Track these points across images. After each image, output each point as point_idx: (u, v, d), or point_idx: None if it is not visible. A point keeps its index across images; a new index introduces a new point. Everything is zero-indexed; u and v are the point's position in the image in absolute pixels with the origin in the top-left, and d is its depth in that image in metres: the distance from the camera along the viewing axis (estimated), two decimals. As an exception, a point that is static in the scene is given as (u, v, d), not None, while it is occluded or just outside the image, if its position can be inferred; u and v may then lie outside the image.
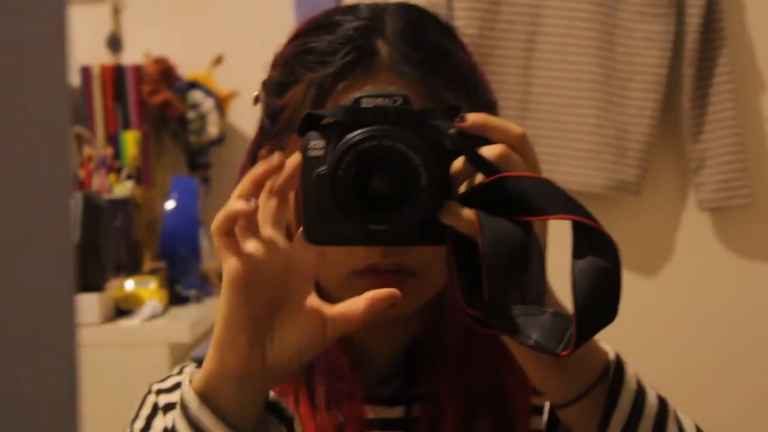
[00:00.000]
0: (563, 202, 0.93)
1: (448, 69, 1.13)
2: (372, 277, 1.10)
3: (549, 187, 0.93)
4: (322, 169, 0.97)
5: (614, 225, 3.07)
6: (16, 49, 0.49)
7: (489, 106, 1.17)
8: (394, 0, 1.20)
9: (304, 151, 0.99)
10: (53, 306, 0.50)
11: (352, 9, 1.18)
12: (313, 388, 1.16)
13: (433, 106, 1.08)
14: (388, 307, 1.10)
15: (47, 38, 0.50)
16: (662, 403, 1.06)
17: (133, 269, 2.73)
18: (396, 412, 1.18)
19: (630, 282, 3.07)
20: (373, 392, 1.17)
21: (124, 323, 2.43)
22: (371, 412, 1.17)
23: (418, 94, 1.10)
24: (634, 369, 1.05)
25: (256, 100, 1.21)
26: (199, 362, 1.25)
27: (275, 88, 1.17)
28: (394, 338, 1.20)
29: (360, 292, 1.08)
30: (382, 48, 1.13)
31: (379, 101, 0.97)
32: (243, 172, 1.22)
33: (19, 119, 0.49)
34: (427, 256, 1.09)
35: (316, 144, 0.99)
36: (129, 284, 2.55)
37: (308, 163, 0.99)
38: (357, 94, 0.98)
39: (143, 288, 2.55)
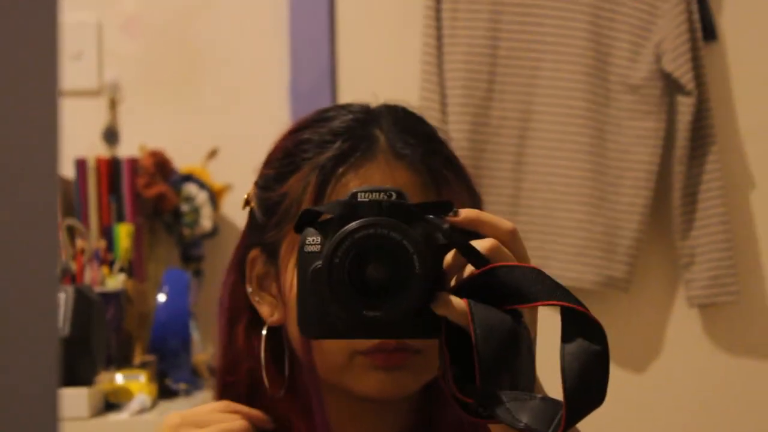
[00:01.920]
0: (551, 289, 0.95)
1: (443, 153, 1.16)
2: (377, 354, 1.11)
3: (538, 275, 0.95)
4: (318, 263, 0.99)
5: (603, 320, 3.04)
6: (7, 143, 0.50)
7: (477, 199, 1.19)
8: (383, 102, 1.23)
9: (301, 247, 1.01)
10: (37, 402, 0.50)
11: (345, 106, 1.21)
12: None
13: (434, 187, 1.11)
14: (394, 387, 1.11)
15: (38, 132, 0.50)
16: None
17: (123, 362, 2.73)
18: None
19: (619, 378, 3.08)
20: None
21: (113, 417, 2.42)
22: None
23: (419, 175, 1.12)
24: None
25: (246, 203, 1.22)
26: None
27: (273, 179, 1.19)
28: (382, 428, 1.20)
29: (363, 371, 1.10)
30: (380, 136, 1.15)
31: (375, 195, 0.99)
32: (230, 271, 1.22)
33: (9, 213, 0.50)
34: None
35: (313, 240, 1.01)
36: (119, 378, 2.55)
37: (305, 259, 1.01)
38: (353, 190, 1.00)
39: (133, 381, 2.54)
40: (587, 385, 0.92)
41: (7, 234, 0.50)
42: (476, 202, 1.18)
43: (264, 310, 1.19)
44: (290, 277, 1.14)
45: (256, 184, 1.21)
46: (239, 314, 1.21)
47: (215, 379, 1.22)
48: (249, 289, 1.20)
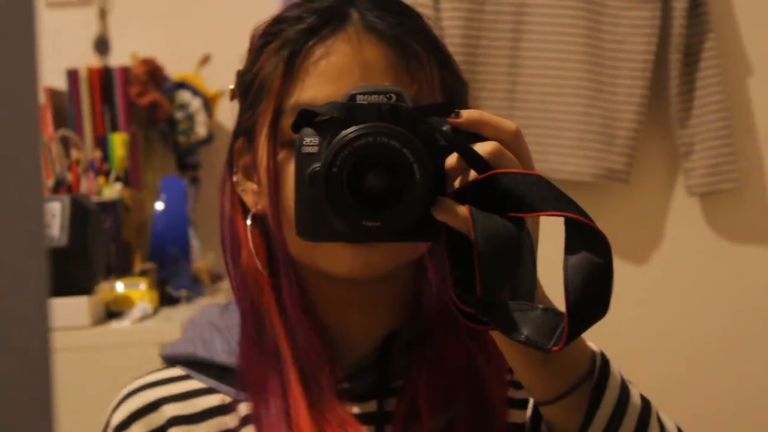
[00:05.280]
0: (556, 199, 0.93)
1: (417, 27, 1.14)
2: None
3: (542, 183, 0.93)
4: (316, 165, 0.98)
5: (603, 213, 3.07)
6: None
7: (454, 70, 1.17)
8: None
9: (299, 148, 1.00)
10: (26, 310, 0.50)
11: None
12: (292, 371, 1.16)
13: (403, 59, 1.09)
14: (363, 264, 1.10)
15: (17, 43, 0.49)
16: (645, 403, 1.06)
17: (123, 271, 2.73)
18: (369, 406, 1.17)
19: (620, 269, 3.08)
20: (348, 387, 1.17)
21: (115, 325, 2.43)
22: (345, 408, 1.16)
23: (387, 48, 1.11)
24: (618, 367, 1.05)
25: (233, 94, 1.21)
26: (170, 360, 1.24)
27: (249, 61, 1.18)
28: (371, 324, 1.19)
29: (332, 248, 1.09)
30: (353, 12, 1.14)
31: (374, 98, 0.97)
32: (226, 163, 1.22)
33: None
34: None
35: (311, 140, 0.99)
36: (119, 286, 2.55)
37: (302, 160, 0.99)
38: (351, 91, 0.98)
39: (133, 290, 2.54)
40: (590, 298, 0.91)
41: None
42: (454, 81, 1.16)
43: (248, 199, 1.18)
44: (265, 159, 1.13)
45: (238, 73, 1.20)
46: (236, 203, 1.21)
47: (226, 268, 1.22)
48: (235, 179, 1.20)
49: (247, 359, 1.17)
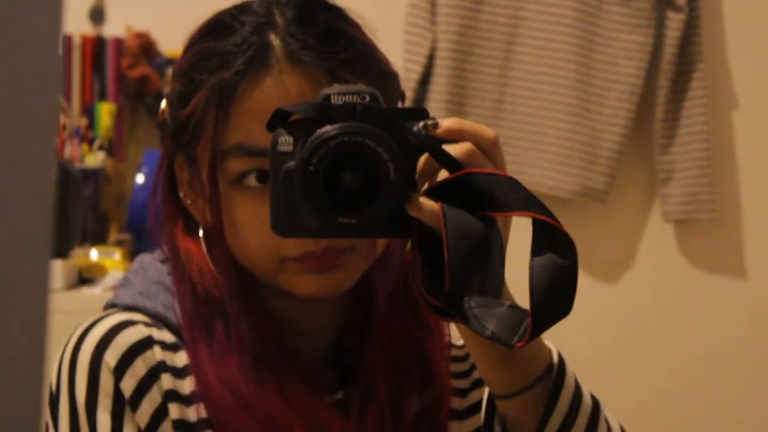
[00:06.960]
0: (526, 200, 0.95)
1: (342, 49, 1.13)
2: (308, 259, 1.11)
3: (513, 184, 0.96)
4: (290, 164, 0.99)
5: (579, 230, 3.09)
6: (9, 20, 0.50)
7: (389, 77, 1.17)
8: None
9: (273, 147, 1.01)
10: (28, 270, 0.50)
11: (245, 7, 1.17)
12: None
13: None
14: (329, 287, 1.12)
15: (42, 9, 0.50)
16: (595, 403, 1.11)
17: (98, 239, 2.74)
18: (338, 395, 1.20)
19: (590, 287, 3.11)
20: (317, 380, 1.18)
21: (87, 291, 2.44)
22: (320, 402, 1.17)
23: (315, 80, 1.10)
24: (572, 368, 1.09)
25: (162, 114, 1.20)
26: (130, 310, 1.19)
27: (179, 98, 1.16)
28: (326, 318, 1.21)
29: (296, 274, 1.11)
30: (275, 41, 1.13)
31: (348, 98, 0.99)
32: (159, 176, 1.20)
33: (7, 92, 0.49)
34: None
35: (285, 140, 1.00)
36: (94, 254, 2.56)
37: (277, 158, 1.01)
38: (325, 91, 0.99)
39: (108, 258, 2.55)
40: (554, 298, 0.93)
41: (7, 112, 0.50)
42: (389, 89, 1.15)
43: (197, 213, 1.18)
44: (211, 188, 1.13)
45: (167, 98, 1.19)
46: (174, 219, 1.20)
47: (173, 284, 1.19)
48: (181, 194, 1.19)
49: (200, 354, 1.16)
